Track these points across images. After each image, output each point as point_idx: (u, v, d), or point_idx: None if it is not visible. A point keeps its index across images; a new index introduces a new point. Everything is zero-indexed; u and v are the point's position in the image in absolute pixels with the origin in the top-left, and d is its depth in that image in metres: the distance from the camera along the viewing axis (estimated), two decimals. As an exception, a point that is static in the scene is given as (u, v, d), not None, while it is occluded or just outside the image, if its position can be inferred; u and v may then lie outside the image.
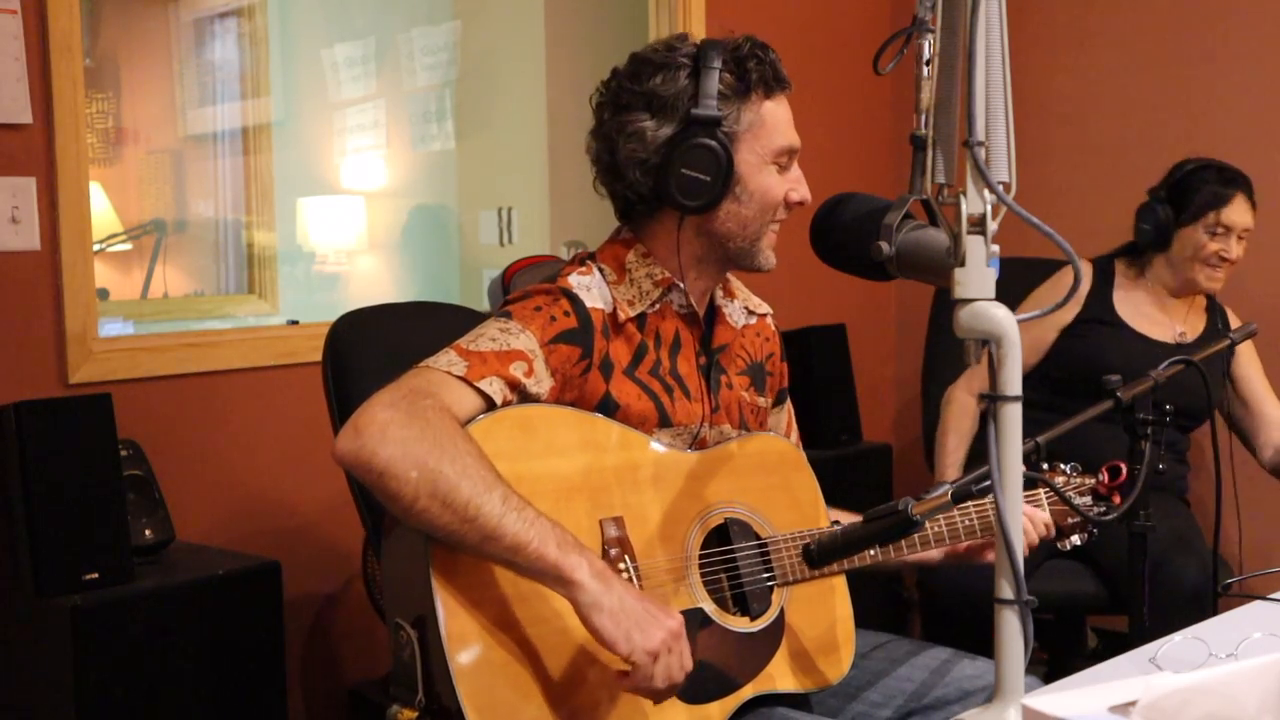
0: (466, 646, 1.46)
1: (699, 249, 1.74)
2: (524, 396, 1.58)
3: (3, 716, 2.36)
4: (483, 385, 1.53)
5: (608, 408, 1.66)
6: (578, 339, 1.64)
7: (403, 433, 1.43)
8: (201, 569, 2.38)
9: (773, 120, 1.72)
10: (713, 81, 1.67)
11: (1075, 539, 1.91)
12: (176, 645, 2.28)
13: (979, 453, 2.92)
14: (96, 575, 2.22)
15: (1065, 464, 1.95)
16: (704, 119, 1.67)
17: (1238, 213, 2.75)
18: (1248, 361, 2.87)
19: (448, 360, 1.55)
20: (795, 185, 1.75)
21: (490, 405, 1.54)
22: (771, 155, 1.71)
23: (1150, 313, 2.83)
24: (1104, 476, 1.94)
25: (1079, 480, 1.95)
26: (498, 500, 1.43)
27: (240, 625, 2.37)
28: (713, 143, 1.66)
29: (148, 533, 2.40)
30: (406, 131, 4.79)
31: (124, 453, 2.37)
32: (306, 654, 2.85)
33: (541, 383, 1.60)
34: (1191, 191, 2.76)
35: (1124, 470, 1.91)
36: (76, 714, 2.16)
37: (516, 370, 1.57)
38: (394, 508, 1.45)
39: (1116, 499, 1.95)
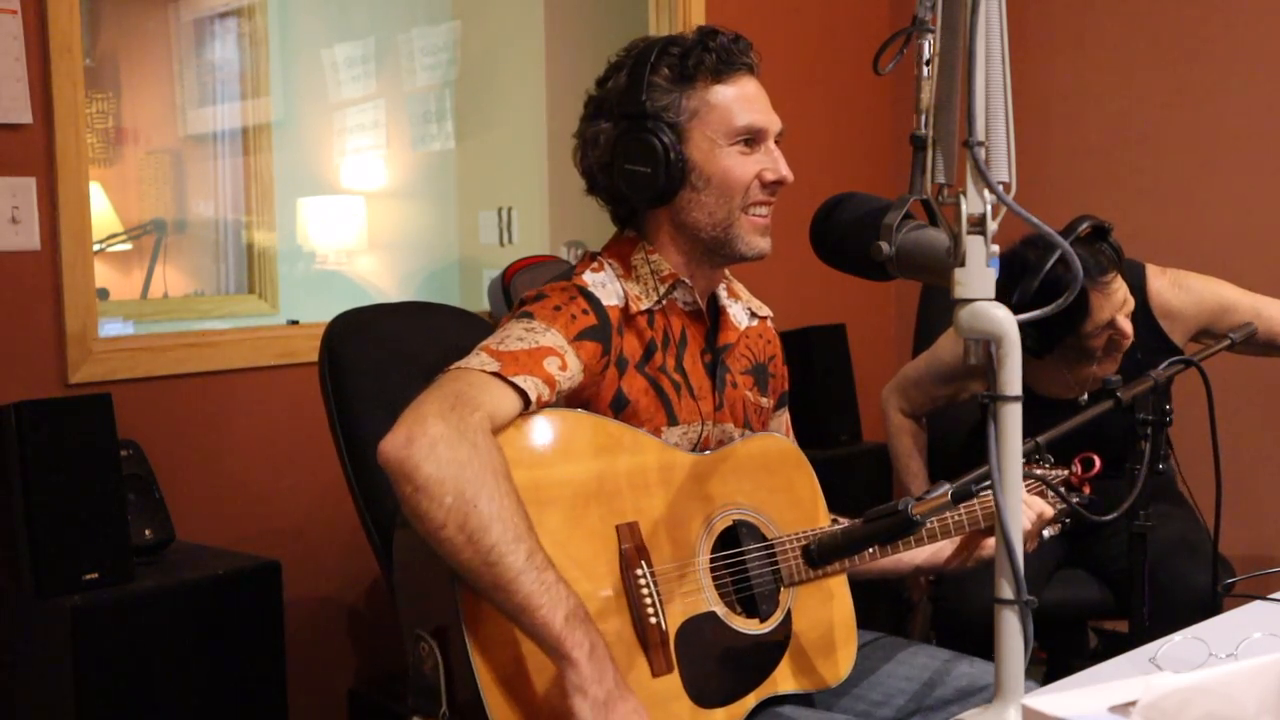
0: (493, 657, 1.45)
1: (684, 244, 1.74)
2: (560, 393, 1.58)
3: (3, 716, 2.36)
4: (517, 381, 1.52)
5: (619, 403, 1.66)
6: (599, 335, 1.65)
7: (450, 453, 1.41)
8: (201, 569, 2.38)
9: (724, 102, 1.70)
10: (643, 75, 1.69)
11: (1048, 530, 1.92)
12: (176, 645, 2.28)
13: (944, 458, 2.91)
14: (96, 575, 2.22)
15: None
16: (635, 113, 1.68)
17: (1102, 310, 2.42)
18: (1223, 303, 2.60)
19: (480, 361, 1.54)
20: (770, 164, 1.72)
21: (526, 402, 1.53)
22: (728, 137, 1.69)
23: (1057, 377, 2.61)
24: (1077, 468, 1.94)
25: (1052, 472, 1.96)
26: (522, 555, 1.41)
27: (240, 625, 2.37)
28: (649, 135, 1.67)
29: (148, 533, 2.40)
30: (406, 131, 4.79)
31: (124, 453, 2.37)
32: (306, 654, 2.85)
33: (575, 377, 1.60)
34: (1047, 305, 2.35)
35: (1097, 462, 1.91)
36: (76, 714, 2.16)
37: (551, 366, 1.56)
38: (420, 527, 1.42)
39: (1088, 490, 1.95)
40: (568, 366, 1.59)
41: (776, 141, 1.75)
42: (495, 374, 1.52)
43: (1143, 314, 2.62)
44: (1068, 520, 1.94)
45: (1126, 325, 2.48)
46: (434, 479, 1.40)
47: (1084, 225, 2.43)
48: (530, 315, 1.63)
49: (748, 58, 1.73)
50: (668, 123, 1.68)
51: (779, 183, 1.72)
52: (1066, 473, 1.96)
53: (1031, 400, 2.60)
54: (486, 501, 1.40)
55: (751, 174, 1.71)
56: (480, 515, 1.40)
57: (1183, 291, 2.65)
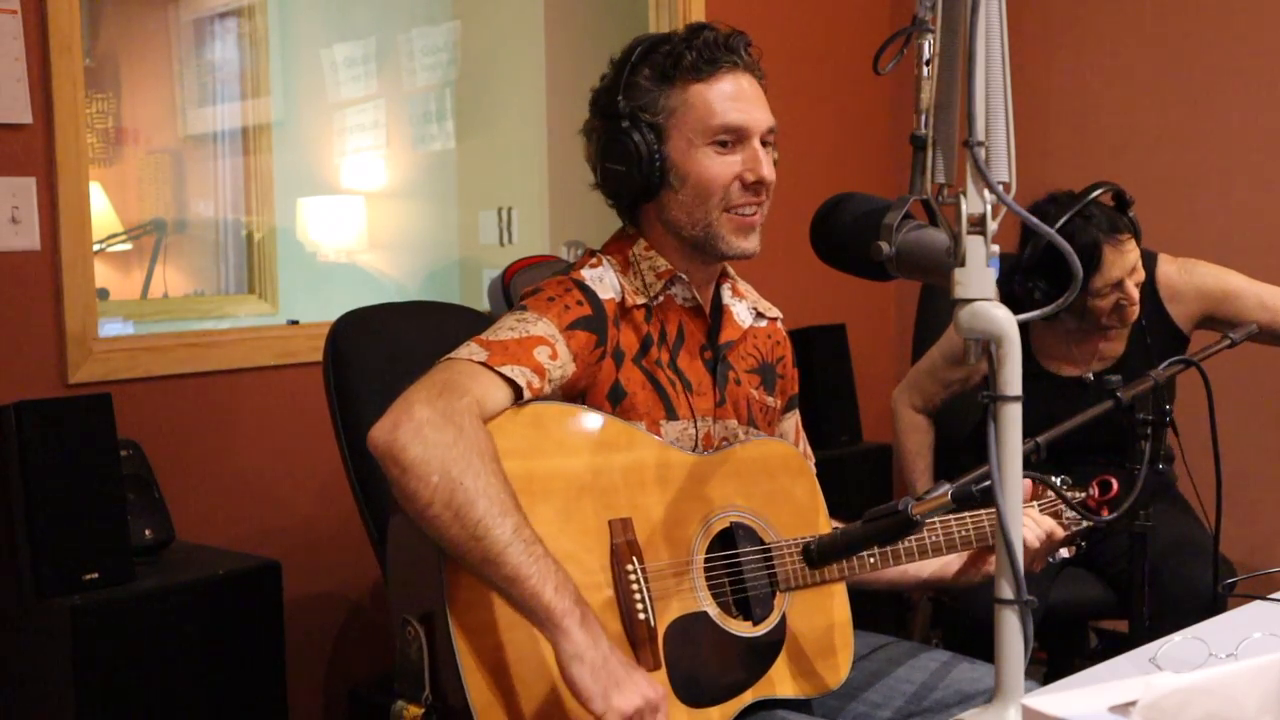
0: (476, 643, 1.46)
1: (673, 241, 1.74)
2: (551, 381, 1.58)
3: (3, 716, 2.36)
4: (505, 371, 1.53)
5: (617, 395, 1.67)
6: (594, 326, 1.65)
7: (436, 435, 1.42)
8: (201, 569, 2.38)
9: (703, 101, 1.68)
10: (623, 74, 1.70)
11: (1063, 552, 1.91)
12: (176, 645, 2.28)
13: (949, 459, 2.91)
14: (96, 575, 2.22)
15: (1055, 477, 1.94)
16: (613, 112, 1.69)
17: (1113, 267, 2.50)
18: (1226, 290, 2.65)
19: (469, 351, 1.55)
20: (750, 165, 1.69)
21: (517, 392, 1.53)
22: (704, 137, 1.68)
23: (1065, 351, 2.69)
24: (1094, 490, 1.93)
25: (1069, 494, 1.95)
26: (509, 527, 1.41)
27: (240, 625, 2.37)
28: (624, 134, 1.68)
29: (148, 533, 2.40)
30: (406, 131, 4.79)
31: (124, 453, 2.37)
32: (306, 654, 2.85)
33: (566, 366, 1.60)
34: (1057, 266, 2.45)
35: (1114, 485, 1.91)
36: (76, 714, 2.16)
37: (541, 355, 1.57)
38: (408, 507, 1.44)
39: (1105, 513, 1.95)
40: (558, 355, 1.59)
41: (766, 141, 1.72)
42: (483, 364, 1.52)
43: (1150, 296, 2.68)
44: (1082, 544, 1.94)
45: (1134, 291, 2.54)
46: (420, 459, 1.41)
47: (1102, 189, 2.50)
48: (524, 308, 1.64)
49: (735, 55, 1.70)
50: (647, 122, 1.68)
51: (760, 183, 1.70)
52: (1084, 495, 1.95)
53: (1039, 375, 2.63)
54: (472, 479, 1.41)
55: (729, 174, 1.68)
56: (466, 491, 1.41)
57: (1189, 275, 2.70)
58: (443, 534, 1.42)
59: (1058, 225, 2.43)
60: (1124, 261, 2.52)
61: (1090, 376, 2.66)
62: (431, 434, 1.42)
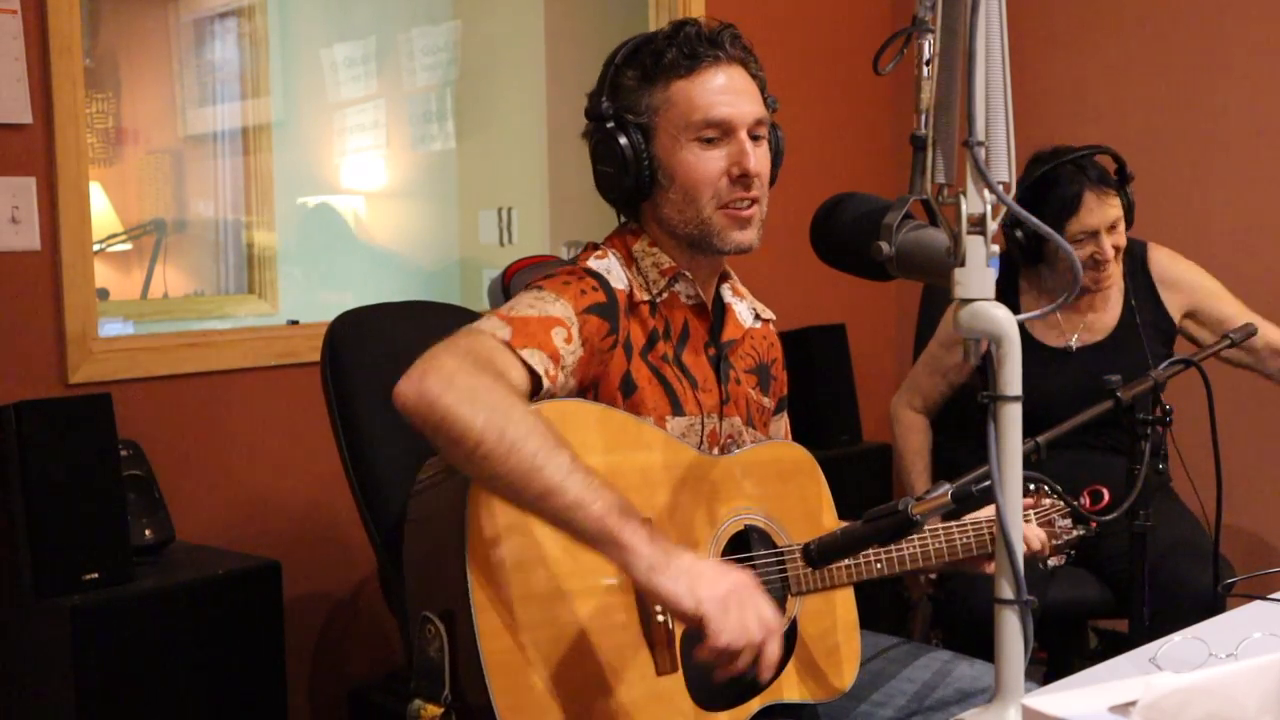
0: (499, 642, 1.45)
1: (671, 238, 1.74)
2: (564, 368, 1.57)
3: (3, 717, 2.36)
4: (524, 355, 1.51)
5: (628, 388, 1.66)
6: (607, 314, 1.64)
7: (470, 380, 1.40)
8: (201, 569, 2.38)
9: (684, 97, 1.67)
10: (608, 76, 1.70)
11: (1053, 561, 1.91)
12: (176, 645, 2.28)
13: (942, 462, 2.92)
14: (96, 575, 2.22)
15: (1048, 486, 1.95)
16: (599, 114, 1.70)
17: (1092, 215, 2.55)
18: (1211, 288, 2.72)
19: (492, 325, 1.53)
20: (736, 158, 1.67)
21: (534, 381, 1.52)
22: (687, 133, 1.67)
23: (1051, 317, 2.70)
24: (1085, 500, 1.94)
25: (1060, 503, 1.96)
26: (565, 458, 1.39)
27: (240, 625, 2.37)
28: (609, 135, 1.68)
29: (148, 533, 2.40)
30: (406, 131, 4.79)
31: (124, 453, 2.37)
32: (306, 654, 2.85)
33: (576, 351, 1.59)
34: (1039, 204, 2.54)
35: (1106, 495, 1.91)
36: (76, 714, 2.16)
37: (557, 337, 1.55)
38: (455, 453, 1.40)
39: (1094, 525, 1.95)
40: (572, 339, 1.58)
41: (756, 134, 1.70)
42: (506, 343, 1.51)
43: (1144, 276, 2.73)
44: (1073, 552, 1.95)
45: (1109, 249, 2.58)
46: (460, 400, 1.38)
47: (1102, 151, 2.60)
48: (540, 288, 1.63)
49: (719, 49, 1.68)
50: (633, 123, 1.68)
51: (746, 175, 1.68)
52: (1076, 504, 1.95)
53: (1026, 342, 2.70)
54: (519, 416, 1.39)
55: (715, 170, 1.67)
56: (517, 426, 1.38)
57: (1181, 264, 2.76)
58: (496, 470, 1.38)
59: (1043, 170, 2.56)
60: (1103, 213, 2.56)
61: (1073, 346, 2.70)
62: (465, 379, 1.40)
